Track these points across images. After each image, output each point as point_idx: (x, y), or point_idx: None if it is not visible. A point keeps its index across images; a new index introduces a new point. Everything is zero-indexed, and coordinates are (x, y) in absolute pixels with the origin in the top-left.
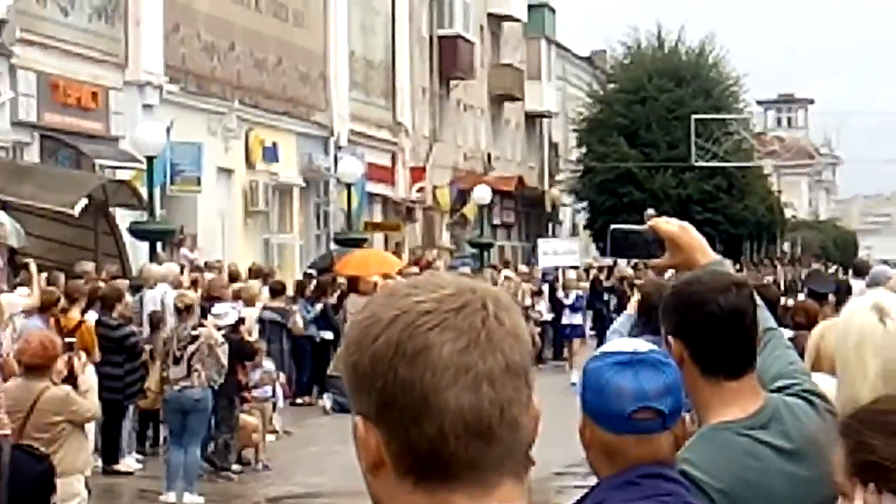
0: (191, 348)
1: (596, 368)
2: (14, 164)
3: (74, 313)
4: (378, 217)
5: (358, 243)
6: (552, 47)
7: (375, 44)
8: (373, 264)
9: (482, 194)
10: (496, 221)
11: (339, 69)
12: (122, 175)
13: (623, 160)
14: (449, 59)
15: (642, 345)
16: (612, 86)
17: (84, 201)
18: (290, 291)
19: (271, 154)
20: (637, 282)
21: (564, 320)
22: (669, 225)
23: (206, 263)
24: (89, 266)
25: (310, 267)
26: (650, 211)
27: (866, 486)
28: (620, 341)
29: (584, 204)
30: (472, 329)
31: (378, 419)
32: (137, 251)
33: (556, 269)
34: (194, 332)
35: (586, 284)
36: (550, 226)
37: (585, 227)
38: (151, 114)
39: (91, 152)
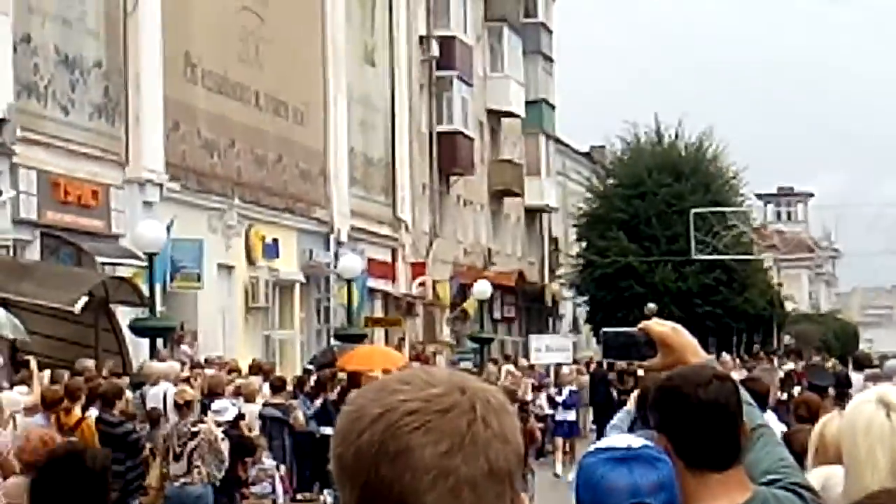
0: (191, 444)
1: (590, 464)
2: (15, 262)
3: (75, 411)
4: (379, 312)
5: (359, 339)
6: (551, 143)
7: (375, 140)
8: (377, 359)
9: (483, 289)
10: (497, 316)
11: (339, 166)
12: (122, 272)
13: (623, 254)
14: (448, 155)
15: (636, 441)
16: (611, 181)
17: (85, 298)
18: (290, 387)
19: (272, 250)
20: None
21: (558, 416)
22: (661, 326)
23: (206, 359)
24: (90, 363)
25: (310, 362)
26: (651, 305)
27: None
28: (615, 437)
29: (585, 298)
30: (457, 433)
31: None
32: (138, 348)
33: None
34: (194, 429)
35: (586, 378)
36: (551, 320)
37: (586, 322)
38: (152, 211)
39: (92, 250)
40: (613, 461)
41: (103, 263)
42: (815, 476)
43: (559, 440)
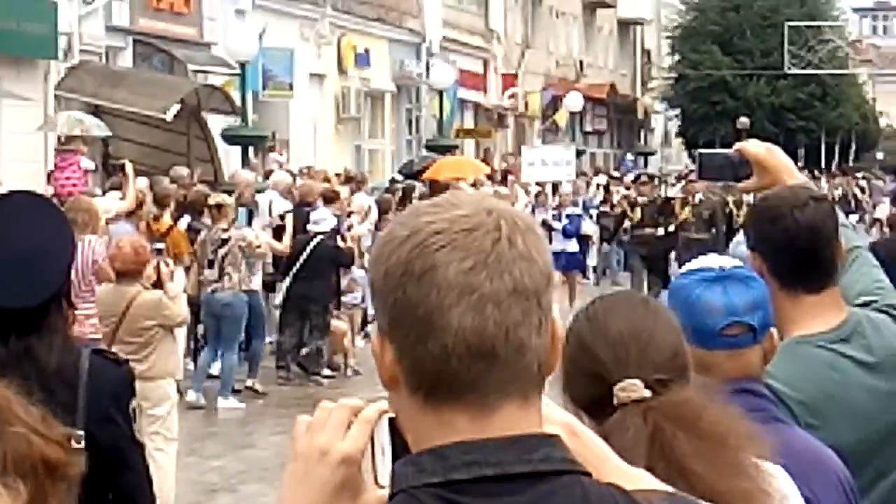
0: (221, 251)
1: (684, 285)
2: (107, 69)
3: (165, 218)
4: (469, 123)
5: (449, 149)
6: None
7: None
8: (468, 168)
9: (574, 101)
10: (588, 129)
11: None
12: (214, 80)
13: (716, 68)
14: None
15: (728, 261)
16: None
17: (177, 106)
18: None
19: (363, 60)
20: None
21: (556, 246)
22: (757, 148)
23: (299, 169)
24: (184, 171)
25: (399, 172)
26: (744, 120)
27: None
28: (706, 258)
29: (677, 112)
30: (481, 251)
31: (391, 335)
32: (230, 156)
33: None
34: (224, 235)
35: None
36: (642, 133)
37: (677, 135)
38: (244, 19)
39: (184, 57)
40: (707, 281)
41: (195, 71)
42: None
43: (569, 276)
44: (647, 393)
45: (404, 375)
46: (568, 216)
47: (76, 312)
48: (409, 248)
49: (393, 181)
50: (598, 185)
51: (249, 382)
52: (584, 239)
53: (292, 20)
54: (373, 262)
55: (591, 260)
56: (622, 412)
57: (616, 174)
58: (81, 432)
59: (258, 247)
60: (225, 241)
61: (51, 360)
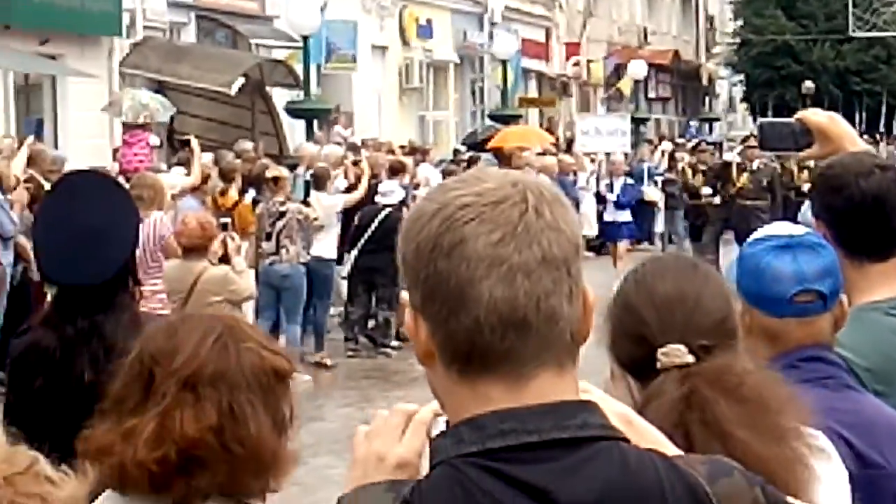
0: (279, 224)
1: (753, 254)
2: (171, 45)
3: (231, 192)
4: (533, 93)
5: (513, 119)
6: None
7: None
8: (534, 138)
9: (637, 69)
10: (652, 95)
11: None
12: (277, 54)
13: (780, 32)
14: None
15: (798, 228)
16: None
17: (241, 80)
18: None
19: (426, 31)
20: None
21: (608, 217)
22: (818, 116)
23: (363, 141)
24: (248, 145)
25: (462, 143)
26: (809, 84)
27: None
28: (775, 226)
29: (741, 77)
30: (509, 222)
31: (423, 311)
32: (294, 130)
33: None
34: (282, 208)
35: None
36: (707, 99)
37: (742, 101)
38: None
39: (247, 32)
40: (777, 249)
41: (258, 45)
42: None
43: (616, 244)
44: (691, 358)
45: (439, 350)
46: (622, 187)
47: (143, 289)
48: (438, 223)
49: (456, 152)
50: (662, 152)
51: (318, 357)
52: (649, 205)
53: None
54: (403, 238)
55: (658, 227)
56: (664, 376)
57: (681, 141)
58: None
59: (315, 219)
60: (283, 214)
61: (118, 336)
